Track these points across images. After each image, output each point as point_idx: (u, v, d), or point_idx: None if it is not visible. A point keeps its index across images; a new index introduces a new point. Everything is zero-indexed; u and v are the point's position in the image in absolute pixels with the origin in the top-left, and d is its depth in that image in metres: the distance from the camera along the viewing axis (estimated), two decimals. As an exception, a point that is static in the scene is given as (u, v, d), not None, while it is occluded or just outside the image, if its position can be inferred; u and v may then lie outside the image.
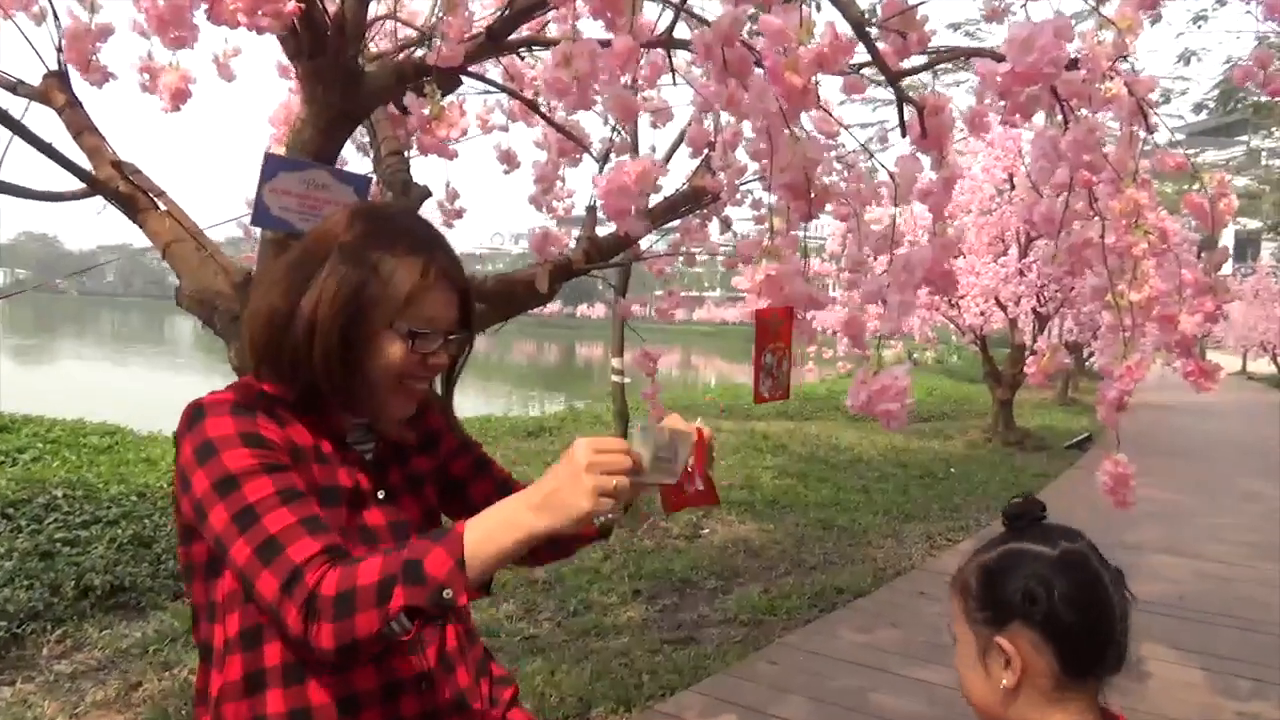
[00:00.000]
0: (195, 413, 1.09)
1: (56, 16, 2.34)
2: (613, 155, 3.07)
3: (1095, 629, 1.09)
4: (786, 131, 1.72)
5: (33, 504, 4.47)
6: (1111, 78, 1.92)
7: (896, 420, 1.79)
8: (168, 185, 2.48)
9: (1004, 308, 9.87)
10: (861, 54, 1.95)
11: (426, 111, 1.88)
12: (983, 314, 9.97)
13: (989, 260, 9.57)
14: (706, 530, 5.79)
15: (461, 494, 1.39)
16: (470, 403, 13.18)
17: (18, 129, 2.14)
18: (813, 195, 1.78)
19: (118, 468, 5.80)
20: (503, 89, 2.46)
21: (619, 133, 3.02)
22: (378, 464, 1.23)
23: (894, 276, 1.71)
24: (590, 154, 2.87)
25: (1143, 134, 2.00)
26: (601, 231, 2.97)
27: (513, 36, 2.22)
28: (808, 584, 4.78)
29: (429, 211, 3.52)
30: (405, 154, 2.89)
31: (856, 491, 7.17)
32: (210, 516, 1.03)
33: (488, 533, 0.98)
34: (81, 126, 2.39)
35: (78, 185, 2.37)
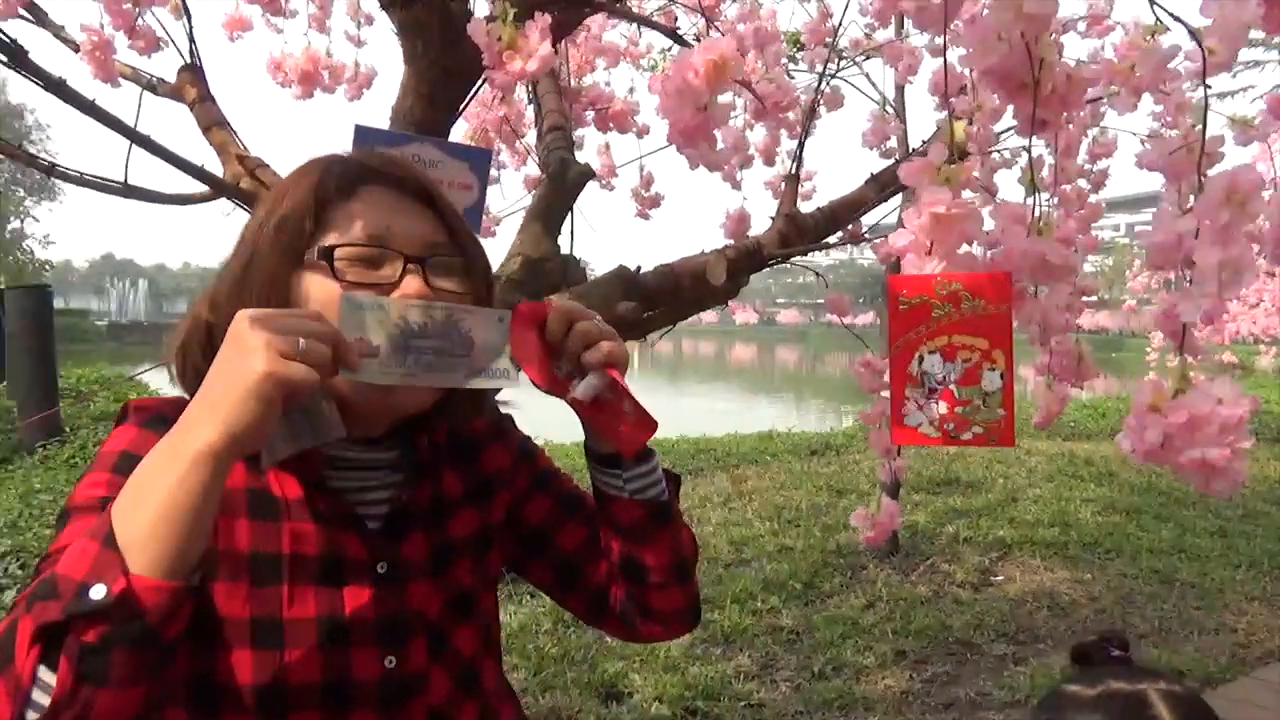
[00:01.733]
0: (120, 414, 0.88)
1: (189, 11, 2.21)
2: (821, 109, 2.41)
3: None
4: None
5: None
6: None
7: (1225, 479, 1.01)
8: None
9: None
10: None
11: (500, 40, 1.40)
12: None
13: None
14: (1000, 577, 4.78)
15: (544, 550, 1.03)
16: (752, 418, 12.66)
17: (132, 135, 1.96)
18: (1050, 89, 1.06)
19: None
20: (637, 19, 1.92)
21: (829, 78, 2.36)
22: (396, 521, 0.87)
23: (1205, 211, 0.94)
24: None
25: None
26: (807, 207, 2.32)
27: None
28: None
29: (624, 200, 3.07)
30: (568, 129, 2.45)
31: (1210, 535, 5.68)
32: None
33: (140, 482, 0.68)
34: (211, 121, 2.20)
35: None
